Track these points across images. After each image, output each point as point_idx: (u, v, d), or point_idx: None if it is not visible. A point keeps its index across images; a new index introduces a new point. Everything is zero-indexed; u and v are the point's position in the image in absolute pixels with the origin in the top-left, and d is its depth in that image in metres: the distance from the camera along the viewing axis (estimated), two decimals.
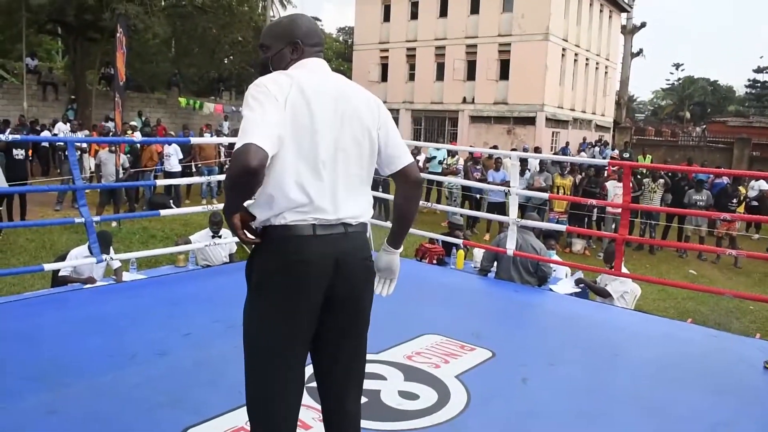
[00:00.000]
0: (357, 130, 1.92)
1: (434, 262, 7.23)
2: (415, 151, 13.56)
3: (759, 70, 52.62)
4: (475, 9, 27.01)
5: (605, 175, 12.62)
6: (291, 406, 1.89)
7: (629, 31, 34.06)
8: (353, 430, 2.04)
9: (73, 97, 21.73)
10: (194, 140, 9.70)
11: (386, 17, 29.97)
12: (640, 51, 36.33)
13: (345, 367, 1.98)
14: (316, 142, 1.83)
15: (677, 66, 59.40)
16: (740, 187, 12.44)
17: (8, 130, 14.60)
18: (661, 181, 12.09)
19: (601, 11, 30.18)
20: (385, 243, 2.14)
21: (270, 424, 1.88)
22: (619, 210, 7.47)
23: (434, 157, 14.15)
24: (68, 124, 16.36)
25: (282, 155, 1.79)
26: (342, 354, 1.97)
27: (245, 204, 1.87)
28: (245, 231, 1.88)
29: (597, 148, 23.12)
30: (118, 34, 10.90)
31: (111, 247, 5.76)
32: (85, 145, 12.95)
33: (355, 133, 1.91)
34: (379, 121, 1.98)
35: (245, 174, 1.67)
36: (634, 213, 11.34)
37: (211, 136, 17.50)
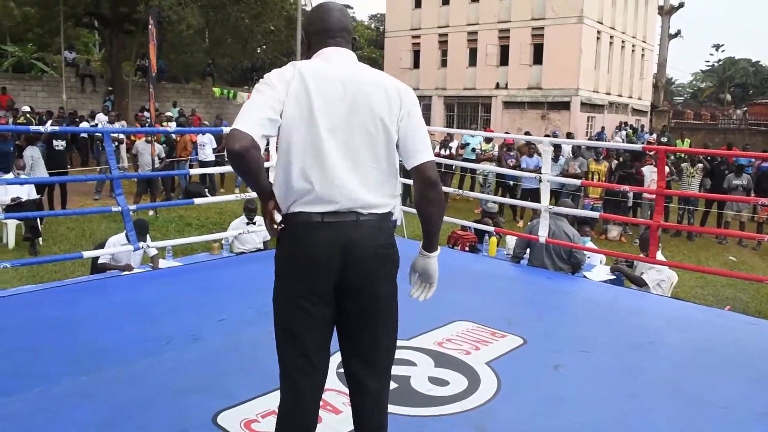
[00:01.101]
0: (367, 119, 1.90)
1: (467, 249, 7.21)
2: (448, 138, 13.46)
3: None
4: None
5: (642, 160, 12.39)
6: (302, 389, 1.94)
7: (666, 12, 33.23)
8: (376, 410, 2.04)
9: (110, 88, 22.11)
10: (227, 129, 9.79)
11: (417, 3, 29.74)
12: (678, 32, 35.41)
13: (364, 351, 1.99)
14: (319, 131, 1.85)
15: (717, 47, 57.72)
16: None
17: (49, 122, 14.94)
18: (700, 165, 11.82)
19: None
20: (420, 246, 2.10)
21: (285, 400, 1.97)
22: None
23: (468, 144, 14.04)
24: (107, 116, 16.66)
25: (285, 145, 1.86)
26: (361, 339, 1.98)
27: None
28: (271, 218, 1.93)
29: (623, 132, 22.61)
30: (149, 26, 11.05)
31: (148, 235, 5.87)
32: (122, 135, 13.18)
33: (365, 122, 1.89)
34: (400, 111, 1.94)
35: (231, 157, 1.77)
36: (670, 198, 11.14)
37: None
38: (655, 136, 21.26)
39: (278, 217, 1.92)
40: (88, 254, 5.23)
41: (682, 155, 13.96)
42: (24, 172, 8.59)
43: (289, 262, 1.91)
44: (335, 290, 1.90)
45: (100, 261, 5.97)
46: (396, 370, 3.05)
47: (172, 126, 14.80)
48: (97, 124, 16.02)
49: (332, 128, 1.86)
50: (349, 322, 1.96)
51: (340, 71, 1.92)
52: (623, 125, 24.39)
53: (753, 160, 13.48)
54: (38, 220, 8.49)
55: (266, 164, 4.51)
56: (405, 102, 1.95)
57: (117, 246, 5.64)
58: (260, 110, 1.81)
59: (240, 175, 1.90)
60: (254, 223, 7.13)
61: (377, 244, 1.91)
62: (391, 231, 1.99)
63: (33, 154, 9.73)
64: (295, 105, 1.84)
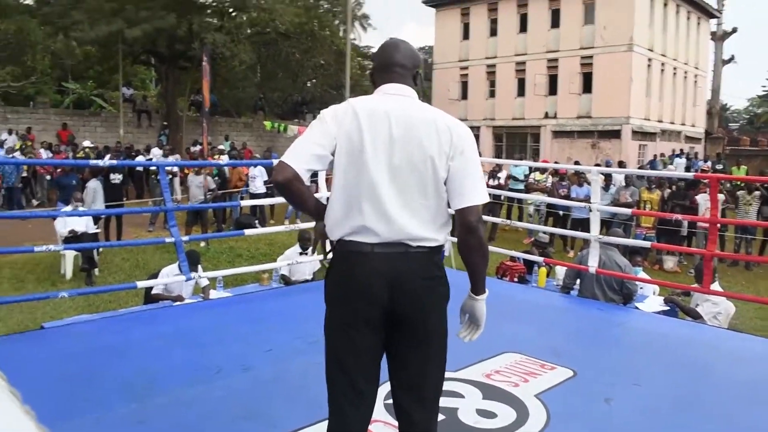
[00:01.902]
0: (416, 155, 1.94)
1: (515, 280, 7.13)
2: (497, 168, 13.43)
3: None
4: (555, 23, 26.61)
5: (697, 188, 12.10)
6: (349, 417, 1.99)
7: (719, 38, 32.64)
8: None
9: (165, 123, 22.83)
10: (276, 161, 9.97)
11: (465, 35, 29.95)
12: (732, 58, 34.64)
13: (412, 382, 2.01)
14: (369, 166, 1.92)
15: None
16: None
17: (107, 156, 15.49)
18: (757, 193, 11.47)
19: (688, 18, 29.09)
20: (468, 289, 2.12)
21: (332, 428, 2.04)
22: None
23: (512, 175, 13.97)
24: (162, 150, 17.19)
25: (338, 178, 1.96)
26: (408, 370, 2.00)
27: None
28: (320, 243, 2.05)
29: (677, 159, 22.10)
30: (203, 63, 11.42)
31: (199, 266, 5.99)
32: (176, 168, 13.56)
33: (413, 159, 1.94)
34: (450, 150, 1.96)
35: (276, 186, 1.99)
36: (726, 227, 10.81)
37: None
38: (709, 163, 20.73)
39: (328, 245, 2.03)
40: (141, 284, 5.37)
41: (739, 183, 13.56)
42: (83, 205, 8.90)
43: (338, 290, 1.97)
44: (385, 320, 1.94)
45: (153, 291, 6.12)
46: (443, 401, 3.02)
47: (224, 159, 15.17)
48: (152, 158, 16.54)
49: (382, 164, 1.93)
50: (398, 352, 2.00)
51: (392, 107, 1.98)
52: (677, 153, 23.89)
53: None
54: (95, 251, 8.76)
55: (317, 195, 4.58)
56: (456, 140, 1.97)
57: (170, 276, 5.78)
58: (307, 146, 1.95)
59: (287, 199, 2.09)
60: (307, 253, 7.21)
61: (425, 276, 1.95)
62: (441, 264, 2.01)
63: (96, 186, 10.10)
64: (347, 141, 1.93)
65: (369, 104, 2.00)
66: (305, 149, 1.94)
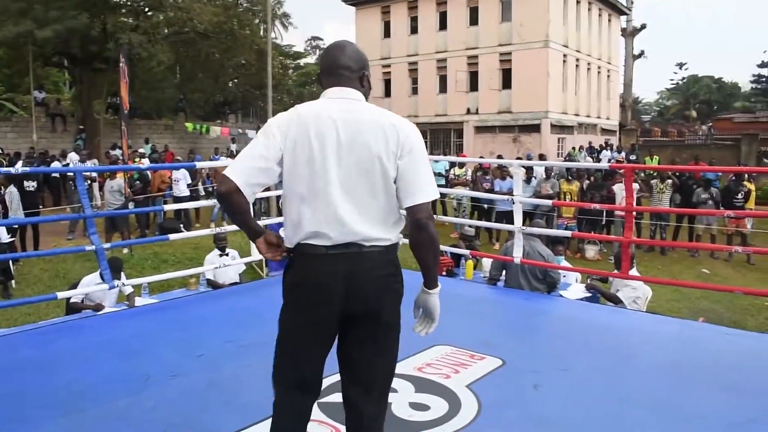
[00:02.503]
0: (364, 157, 1.99)
1: (444, 273, 7.26)
2: None
3: (763, 65, 52.37)
4: (474, 20, 27.12)
5: (614, 178, 12.61)
6: (296, 406, 2.11)
7: (629, 34, 34.08)
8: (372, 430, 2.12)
9: (81, 127, 21.98)
10: (200, 164, 9.77)
11: (386, 33, 30.13)
12: (642, 53, 36.28)
13: (362, 376, 2.09)
14: (317, 172, 1.98)
15: (681, 65, 59.39)
16: (746, 183, 12.34)
17: (20, 162, 14.78)
18: (669, 181, 12.05)
19: (600, 15, 30.22)
20: (421, 283, 2.17)
21: (278, 417, 2.12)
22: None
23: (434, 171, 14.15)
24: (79, 154, 16.52)
25: (289, 185, 2.03)
26: (359, 364, 2.09)
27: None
28: (271, 251, 2.09)
29: (572, 152, 22.91)
30: (120, 64, 11.06)
31: (122, 273, 5.83)
32: (94, 174, 13.09)
33: (361, 161, 1.99)
34: (398, 149, 2.01)
35: (217, 197, 2.04)
36: (642, 215, 11.32)
37: (226, 158, 17.61)
38: (624, 154, 21.60)
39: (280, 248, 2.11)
40: (62, 295, 5.16)
41: (652, 172, 14.21)
42: None
43: (294, 291, 2.04)
44: (340, 318, 2.02)
45: (71, 301, 5.91)
46: None
47: (145, 162, 14.75)
48: (68, 164, 15.90)
49: (332, 169, 1.98)
50: (351, 348, 2.08)
51: (337, 112, 2.02)
52: (603, 145, 24.72)
53: (720, 174, 13.79)
54: (10, 262, 8.37)
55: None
56: (403, 139, 2.02)
57: (91, 285, 5.59)
58: (250, 160, 2.00)
59: (227, 212, 2.09)
60: (227, 254, 7.12)
61: (379, 274, 2.02)
62: (395, 262, 2.08)
63: (13, 191, 9.63)
64: (294, 149, 1.99)
65: (314, 109, 2.04)
66: (247, 163, 1.99)
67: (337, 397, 3.09)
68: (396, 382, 3.27)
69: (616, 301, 6.06)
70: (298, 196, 2.01)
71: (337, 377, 3.33)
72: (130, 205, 11.41)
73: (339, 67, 2.11)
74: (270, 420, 2.15)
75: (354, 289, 1.98)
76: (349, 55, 2.13)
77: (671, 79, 63.02)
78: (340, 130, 1.99)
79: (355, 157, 1.98)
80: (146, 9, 21.90)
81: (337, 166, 1.98)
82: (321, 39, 49.38)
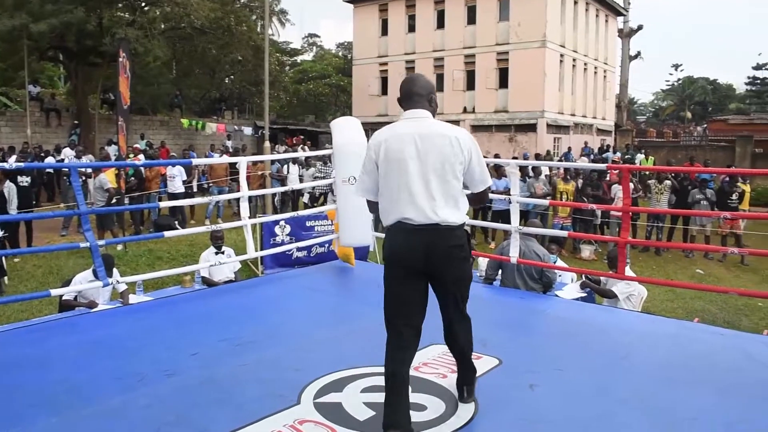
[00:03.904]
0: (437, 161, 2.75)
1: None
2: None
3: (758, 67, 52.62)
4: (471, 20, 27.14)
5: (608, 178, 12.63)
6: (405, 335, 2.79)
7: (626, 35, 34.13)
8: (464, 333, 3.00)
9: (76, 122, 21.88)
10: (196, 161, 9.74)
11: (384, 31, 30.13)
12: (638, 54, 36.35)
13: (449, 309, 2.91)
14: (406, 172, 2.76)
15: (676, 66, 59.45)
16: (740, 184, 12.38)
17: (13, 157, 14.71)
18: (668, 182, 12.08)
19: (597, 16, 30.27)
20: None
21: (392, 345, 2.80)
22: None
23: None
24: (74, 150, 16.45)
25: (385, 183, 2.83)
26: (447, 299, 2.89)
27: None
28: None
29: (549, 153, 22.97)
30: (120, 59, 10.96)
31: (115, 270, 5.79)
32: (89, 170, 13.04)
33: (436, 164, 2.75)
34: (462, 154, 2.79)
35: (369, 208, 3.05)
36: (637, 215, 11.34)
37: (220, 155, 17.57)
38: (619, 154, 21.64)
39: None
40: (56, 292, 5.13)
41: (648, 172, 14.24)
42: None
43: (392, 253, 2.81)
44: (423, 275, 2.78)
45: (64, 298, 5.88)
46: (373, 397, 3.08)
47: (141, 158, 14.69)
48: (63, 159, 15.83)
49: (413, 170, 2.74)
50: (436, 290, 2.88)
51: (414, 129, 2.80)
52: (605, 147, 24.82)
53: (715, 175, 13.82)
54: (2, 258, 8.32)
55: None
56: (464, 147, 2.80)
57: (84, 282, 5.57)
58: (367, 177, 2.92)
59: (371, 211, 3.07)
60: (223, 253, 7.09)
61: (448, 245, 2.76)
62: (461, 237, 2.82)
63: (11, 186, 9.51)
64: (387, 158, 2.80)
65: (400, 129, 2.83)
66: (366, 181, 2.93)
67: (332, 397, 3.10)
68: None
69: (610, 295, 6.06)
70: (391, 191, 2.78)
71: (331, 377, 3.33)
72: (126, 201, 11.36)
73: (414, 94, 2.88)
74: (267, 419, 2.60)
75: (430, 255, 2.72)
76: (420, 85, 2.91)
77: (667, 80, 63.47)
78: (418, 142, 2.75)
79: (431, 161, 2.73)
80: (143, 4, 21.83)
81: (418, 169, 2.73)
82: (318, 36, 49.47)
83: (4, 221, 8.79)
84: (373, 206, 2.95)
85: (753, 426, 2.97)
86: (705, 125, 37.46)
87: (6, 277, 8.45)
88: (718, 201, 11.87)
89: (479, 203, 3.10)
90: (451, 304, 2.90)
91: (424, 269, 2.76)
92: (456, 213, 2.78)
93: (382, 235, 6.86)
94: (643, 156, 22.13)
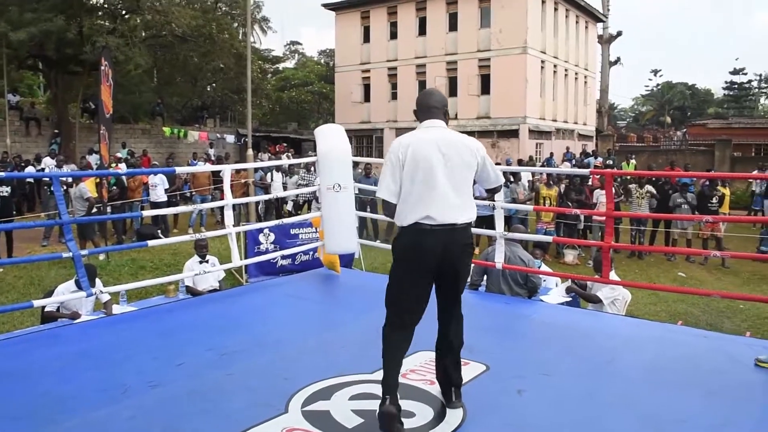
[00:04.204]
0: (457, 166, 2.99)
1: None
2: None
3: (735, 72, 53.47)
4: (453, 26, 27.25)
5: (590, 183, 12.73)
6: (406, 321, 3.02)
7: (606, 41, 34.47)
8: (458, 328, 3.20)
9: (56, 131, 21.67)
10: (180, 170, 9.66)
11: (366, 38, 30.17)
12: (618, 59, 36.80)
13: (449, 304, 3.13)
14: (429, 175, 2.95)
15: (655, 72, 60.11)
16: (720, 187, 12.53)
17: None
18: (649, 188, 12.19)
19: (577, 22, 30.54)
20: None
21: (394, 325, 3.04)
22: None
23: None
24: (54, 159, 16.26)
25: (407, 185, 2.99)
26: (448, 293, 3.11)
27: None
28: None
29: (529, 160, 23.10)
30: (102, 67, 10.86)
31: (97, 280, 5.73)
32: (70, 179, 12.90)
33: (456, 169, 2.99)
34: (476, 160, 3.06)
35: (385, 209, 3.14)
36: (620, 220, 11.42)
37: (204, 163, 17.48)
38: (601, 159, 21.80)
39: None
40: (38, 303, 5.07)
41: (629, 177, 14.38)
42: None
43: (407, 252, 2.99)
44: (434, 271, 2.98)
45: (46, 309, 5.81)
46: (361, 404, 3.08)
47: (123, 167, 14.57)
48: (43, 169, 15.66)
49: (437, 174, 2.95)
50: (442, 286, 3.09)
51: (435, 136, 3.03)
52: (588, 152, 24.96)
53: (695, 179, 13.97)
54: None
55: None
56: (477, 154, 3.08)
57: (66, 293, 5.50)
58: (390, 179, 3.02)
59: (388, 215, 3.13)
60: (207, 262, 7.04)
61: (463, 243, 3.03)
62: (471, 235, 3.11)
63: None
64: (414, 161, 2.97)
65: (421, 136, 3.05)
66: (389, 183, 3.03)
67: (320, 405, 3.08)
68: (380, 389, 3.27)
69: (596, 300, 6.09)
70: (416, 194, 2.95)
71: (318, 386, 3.32)
72: (108, 210, 11.25)
73: (431, 107, 3.13)
74: (255, 428, 2.48)
75: (447, 253, 2.94)
76: (436, 98, 3.18)
77: (646, 86, 64.12)
78: (442, 148, 2.97)
79: (452, 166, 2.97)
80: (123, 12, 21.67)
81: (442, 173, 2.95)
82: (300, 44, 49.46)
83: None
84: (391, 208, 3.07)
85: (738, 428, 3.00)
86: (684, 130, 37.92)
87: None
88: (698, 205, 12.01)
89: (495, 192, 3.39)
90: (453, 299, 3.12)
91: (439, 267, 2.96)
92: (470, 213, 3.05)
93: (368, 242, 6.87)
94: (634, 161, 22.32)
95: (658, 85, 58.46)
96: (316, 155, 6.07)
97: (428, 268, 2.97)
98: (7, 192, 11.09)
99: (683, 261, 11.83)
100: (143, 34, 21.57)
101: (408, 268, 3.00)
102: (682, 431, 2.97)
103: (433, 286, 3.09)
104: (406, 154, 2.99)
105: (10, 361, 3.83)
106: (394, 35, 29.18)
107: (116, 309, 6.09)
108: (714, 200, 12.10)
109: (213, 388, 3.33)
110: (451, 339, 3.17)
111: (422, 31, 28.15)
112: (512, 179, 12.35)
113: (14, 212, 12.12)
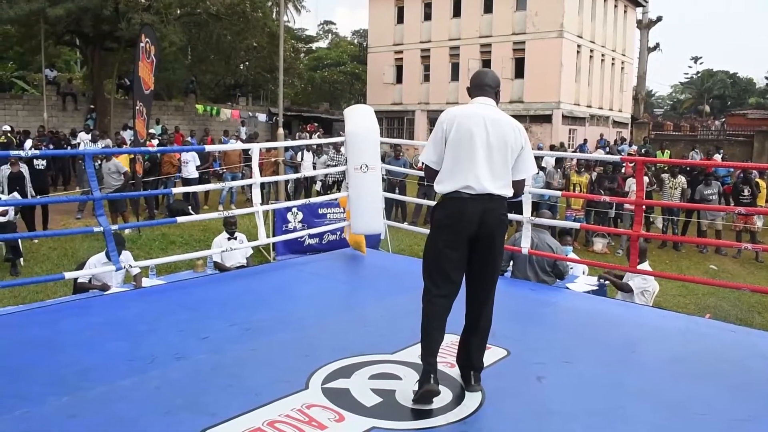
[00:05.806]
0: (500, 143, 3.05)
1: None
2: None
3: None
4: (488, 8, 26.94)
5: (623, 171, 12.53)
6: (443, 291, 3.05)
7: (645, 26, 33.72)
8: (487, 312, 3.23)
9: (92, 106, 22.00)
10: (209, 147, 9.77)
11: (400, 19, 29.98)
12: (657, 45, 35.90)
13: (485, 280, 3.15)
14: (471, 148, 3.02)
15: (696, 59, 58.57)
16: (759, 180, 12.19)
17: (29, 141, 14.81)
18: (682, 178, 11.96)
19: (615, 6, 29.94)
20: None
21: (430, 299, 3.08)
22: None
23: None
24: (90, 134, 16.52)
25: (451, 155, 3.06)
26: (483, 272, 3.13)
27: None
28: None
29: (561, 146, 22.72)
30: (142, 44, 10.92)
31: (128, 253, 5.84)
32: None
33: (498, 145, 3.04)
34: (516, 142, 3.10)
35: (425, 172, 3.29)
36: (652, 209, 11.24)
37: (236, 141, 17.61)
38: (635, 147, 21.45)
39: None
40: (69, 275, 5.18)
41: (662, 166, 14.10)
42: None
43: (447, 219, 3.04)
44: (471, 238, 3.01)
45: (78, 281, 5.94)
46: (380, 384, 3.10)
47: (155, 143, 14.75)
48: (78, 143, 15.91)
49: (479, 148, 3.01)
50: (475, 258, 3.08)
51: (484, 112, 3.10)
52: (621, 140, 24.57)
53: (732, 170, 13.66)
54: (18, 240, 8.39)
55: None
56: (520, 136, 3.13)
57: (98, 265, 5.61)
58: (434, 147, 3.14)
59: (429, 179, 3.29)
60: (235, 239, 7.13)
61: (500, 213, 3.07)
62: (506, 206, 3.13)
63: (24, 170, 9.58)
64: (457, 133, 3.05)
65: (470, 110, 3.13)
66: (433, 149, 3.15)
67: (340, 383, 3.11)
68: (400, 370, 3.31)
69: (627, 289, 6.03)
70: (457, 164, 3.02)
71: (339, 364, 3.35)
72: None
73: (485, 85, 3.24)
74: (275, 403, 2.69)
75: (484, 220, 2.99)
76: (491, 78, 3.30)
77: (686, 73, 62.64)
78: (488, 125, 3.03)
79: (495, 142, 3.02)
80: None
81: (483, 147, 3.01)
82: (333, 23, 49.32)
83: (23, 205, 8.89)
84: (432, 174, 3.16)
85: (761, 424, 2.96)
86: (723, 119, 37.02)
87: (21, 259, 8.54)
88: (735, 196, 11.72)
89: (516, 194, 3.22)
90: (489, 273, 3.13)
91: (477, 234, 3.01)
92: (507, 189, 3.09)
93: (395, 224, 6.84)
94: (669, 151, 21.91)
95: (697, 72, 57.10)
96: (344, 135, 6.08)
97: (467, 235, 3.01)
98: (42, 165, 11.30)
99: (715, 253, 11.61)
100: (178, 11, 21.68)
101: (447, 234, 3.04)
102: (703, 424, 2.93)
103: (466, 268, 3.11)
104: (452, 125, 3.06)
105: (41, 329, 3.94)
106: (428, 16, 28.94)
107: (145, 282, 6.20)
108: (745, 192, 11.77)
109: (236, 363, 3.38)
110: (482, 321, 3.20)
111: (456, 12, 27.88)
112: (553, 164, 12.25)
113: (50, 185, 12.36)
